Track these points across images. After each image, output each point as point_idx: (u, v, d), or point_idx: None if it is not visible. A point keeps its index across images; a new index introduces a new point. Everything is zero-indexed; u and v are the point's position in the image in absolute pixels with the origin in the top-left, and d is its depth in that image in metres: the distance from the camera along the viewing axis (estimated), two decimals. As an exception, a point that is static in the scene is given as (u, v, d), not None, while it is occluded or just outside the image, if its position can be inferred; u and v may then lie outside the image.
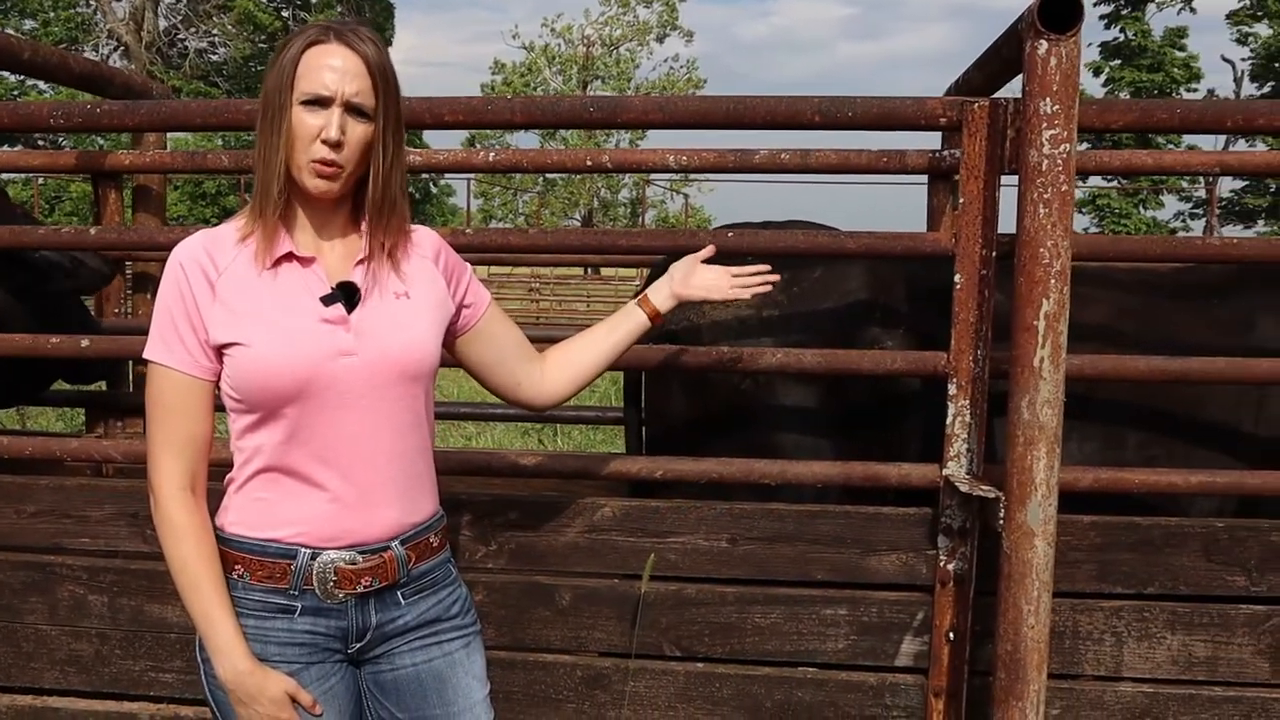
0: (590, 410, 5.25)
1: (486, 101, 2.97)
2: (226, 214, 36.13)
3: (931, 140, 5.72)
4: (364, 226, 2.06)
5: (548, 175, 39.72)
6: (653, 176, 33.68)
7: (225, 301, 1.99)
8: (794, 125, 2.90)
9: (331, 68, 1.93)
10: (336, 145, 1.93)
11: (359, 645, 2.10)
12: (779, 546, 3.03)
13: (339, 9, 43.25)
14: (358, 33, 1.97)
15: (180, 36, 41.75)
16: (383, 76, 1.96)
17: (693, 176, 36.53)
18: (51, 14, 40.48)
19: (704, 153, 3.84)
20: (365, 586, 2.05)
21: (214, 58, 42.37)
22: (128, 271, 4.70)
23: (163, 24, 41.43)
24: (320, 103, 1.93)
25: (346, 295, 2.02)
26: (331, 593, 2.05)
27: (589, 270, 29.86)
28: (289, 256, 2.01)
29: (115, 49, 39.91)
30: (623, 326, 2.44)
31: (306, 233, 2.05)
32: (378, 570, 2.06)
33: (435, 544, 2.16)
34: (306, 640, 2.07)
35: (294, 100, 1.93)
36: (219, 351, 1.99)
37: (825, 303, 3.41)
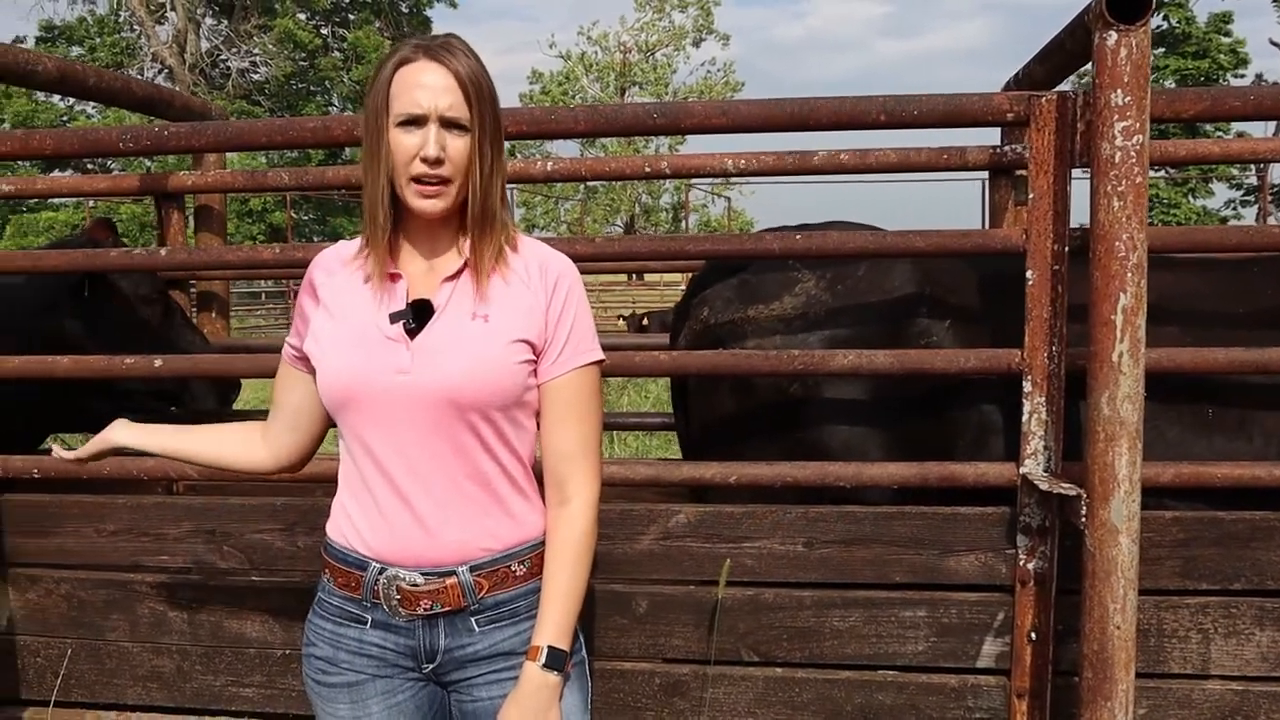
0: (653, 416, 5.24)
1: (549, 111, 2.97)
2: (275, 231, 36.52)
3: (977, 136, 5.67)
4: (465, 243, 2.04)
5: (588, 183, 39.80)
6: (694, 181, 33.66)
7: (324, 310, 2.06)
8: (860, 125, 2.88)
9: (423, 85, 1.93)
10: (437, 162, 1.93)
11: (432, 666, 2.09)
12: (856, 549, 3.01)
13: (376, 24, 43.55)
14: (447, 47, 1.96)
15: (222, 57, 42.17)
16: (475, 87, 1.95)
17: (734, 180, 36.53)
18: (98, 39, 41.04)
19: (763, 156, 3.85)
20: (426, 609, 2.04)
21: (255, 77, 42.75)
22: (192, 290, 4.75)
23: (205, 45, 41.87)
24: (415, 122, 1.93)
25: (417, 313, 2.02)
26: (396, 610, 2.05)
27: (633, 276, 29.85)
28: (382, 273, 2.03)
29: (160, 72, 40.37)
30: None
31: (409, 249, 2.06)
32: (439, 594, 2.03)
33: (520, 574, 2.07)
34: (375, 653, 2.08)
35: (390, 122, 1.94)
36: (311, 354, 2.08)
37: (870, 298, 3.39)
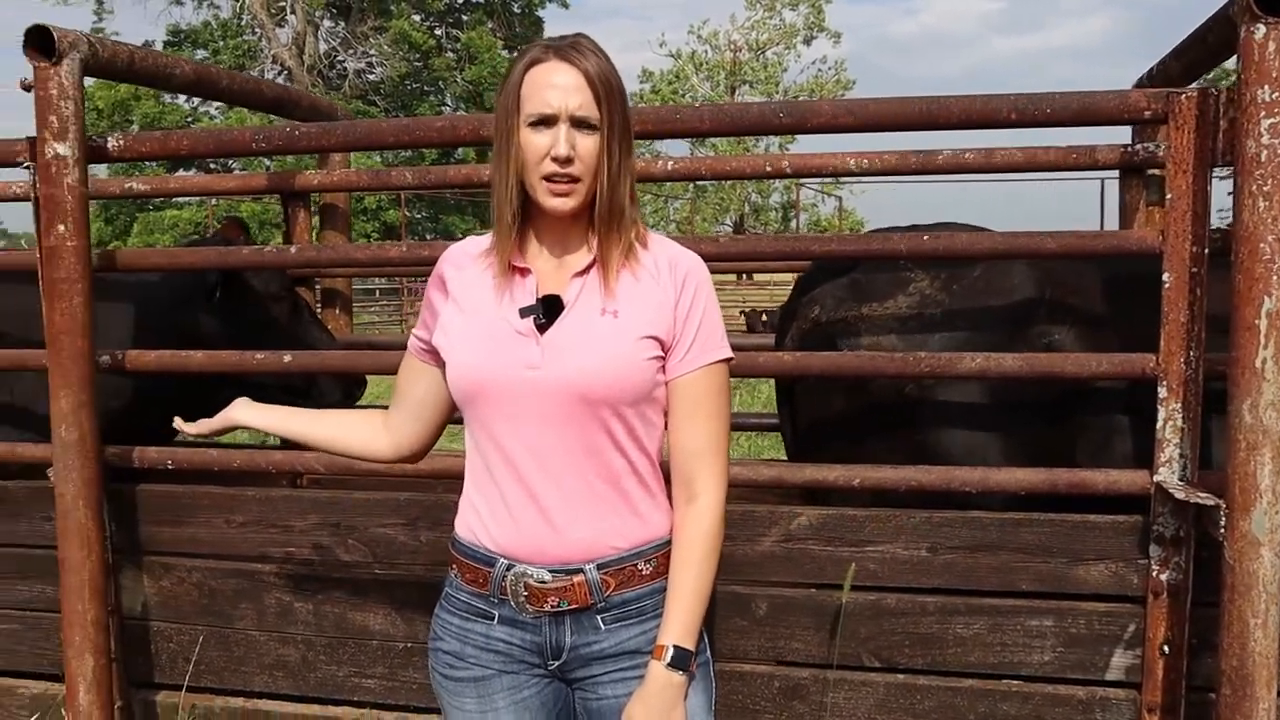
0: (769, 417, 5.20)
1: (674, 111, 2.97)
2: (389, 229, 37.08)
3: (1102, 135, 5.54)
4: (594, 239, 2.05)
5: (698, 182, 39.74)
6: (804, 180, 33.43)
7: (454, 304, 2.09)
8: (990, 124, 2.83)
9: (553, 85, 1.94)
10: (567, 161, 1.94)
11: (558, 663, 2.09)
12: (981, 556, 2.96)
13: (489, 25, 44.03)
14: (577, 46, 1.97)
15: (339, 58, 42.97)
16: (604, 86, 1.96)
17: (844, 180, 36.19)
18: (221, 43, 42.12)
19: (886, 155, 3.80)
20: (553, 606, 2.04)
21: (371, 77, 43.49)
22: (317, 287, 4.84)
23: (323, 47, 42.74)
24: (546, 121, 1.94)
25: (547, 308, 2.02)
26: (523, 606, 2.06)
27: (742, 275, 29.74)
28: (511, 267, 2.05)
29: (279, 73, 41.30)
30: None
31: (537, 246, 2.07)
32: (566, 592, 2.03)
33: (646, 572, 2.07)
34: (502, 649, 2.09)
35: (521, 123, 1.96)
36: (440, 346, 2.10)
37: (988, 299, 3.33)
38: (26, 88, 3.10)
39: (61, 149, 3.04)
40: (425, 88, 44.03)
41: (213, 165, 33.13)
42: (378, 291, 31.26)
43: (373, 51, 42.61)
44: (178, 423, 2.44)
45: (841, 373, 3.02)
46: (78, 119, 3.05)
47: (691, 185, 43.55)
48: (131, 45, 3.28)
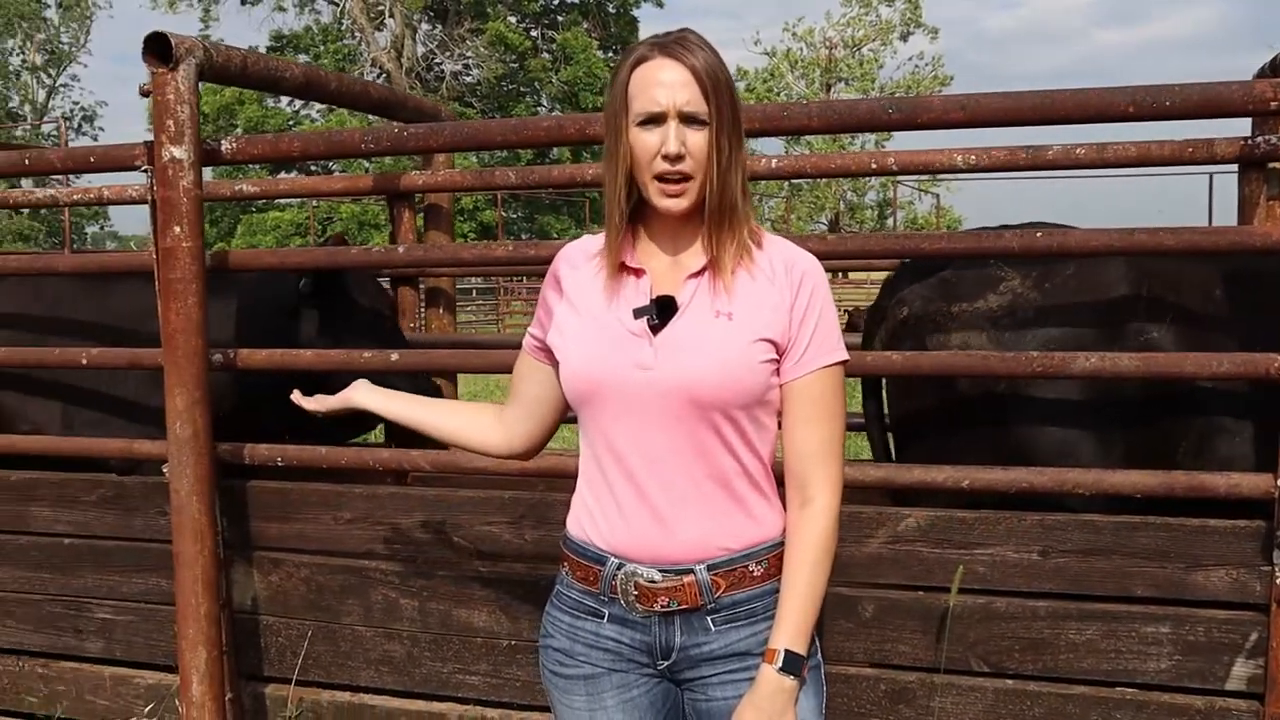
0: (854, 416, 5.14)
1: (782, 108, 2.94)
2: (484, 229, 37.42)
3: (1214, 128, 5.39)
4: (708, 238, 2.03)
5: (793, 180, 39.51)
6: (901, 177, 33.07)
7: (568, 303, 2.09)
8: (1106, 118, 2.76)
9: (660, 83, 1.93)
10: (678, 158, 1.93)
11: (667, 664, 2.08)
12: (1095, 560, 2.89)
13: (584, 25, 44.23)
14: (682, 42, 1.96)
15: (436, 61, 43.50)
16: (712, 80, 1.94)
17: (941, 176, 35.71)
18: (321, 47, 42.89)
19: (994, 151, 3.73)
20: (663, 606, 2.03)
21: (468, 79, 43.96)
22: (421, 286, 4.89)
23: (420, 50, 43.30)
24: (654, 120, 1.93)
25: (661, 309, 2.01)
26: (633, 606, 2.05)
27: (839, 274, 29.49)
28: (625, 268, 2.04)
29: (378, 76, 41.91)
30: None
31: (651, 245, 2.06)
32: (676, 592, 2.02)
33: (757, 574, 2.05)
34: (611, 647, 2.09)
35: (630, 122, 1.95)
36: (554, 346, 2.10)
37: (1082, 297, 3.26)
38: (145, 93, 3.17)
39: (178, 152, 3.11)
40: (521, 89, 44.37)
41: (313, 168, 33.79)
42: (474, 291, 31.54)
43: (469, 53, 43.07)
44: (296, 396, 2.45)
45: (952, 372, 2.97)
46: (193, 123, 3.12)
47: (787, 184, 43.31)
48: (244, 50, 3.34)
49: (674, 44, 1.96)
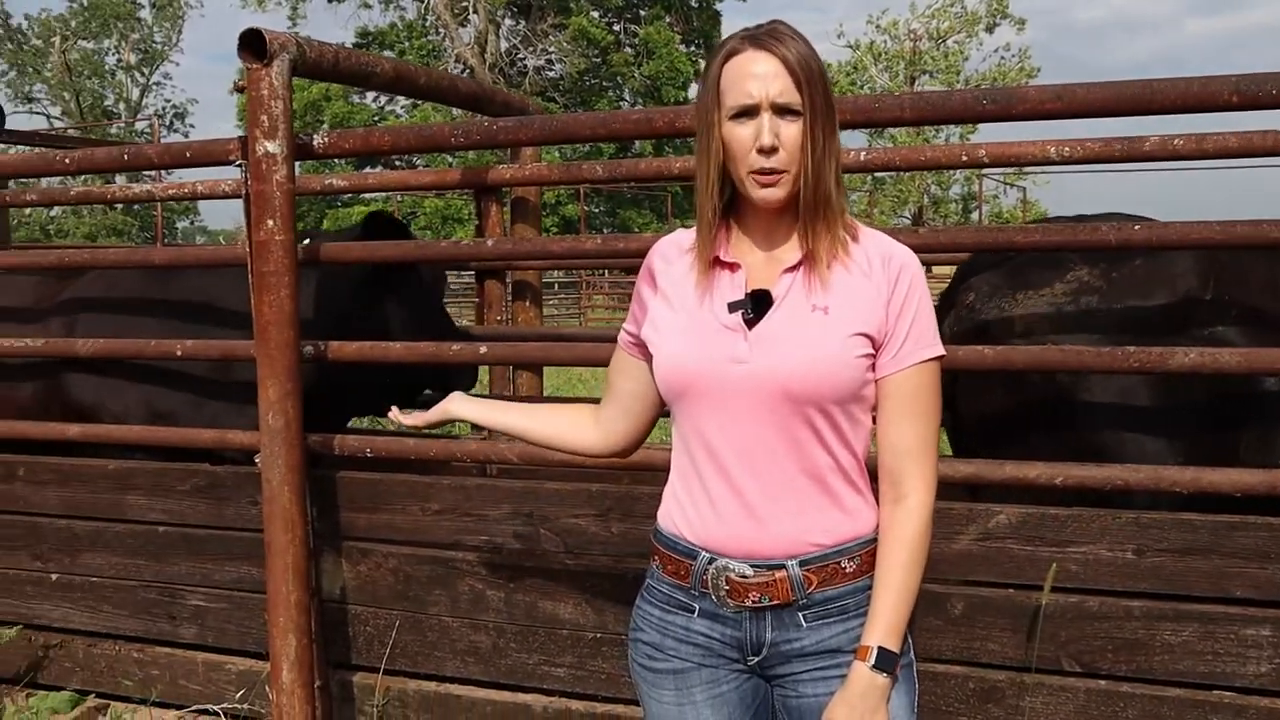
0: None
1: (874, 100, 2.91)
2: (567, 223, 37.63)
3: None
4: (803, 231, 2.02)
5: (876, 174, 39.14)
6: (986, 170, 32.64)
7: (663, 298, 2.08)
8: (1208, 108, 2.70)
9: (752, 75, 1.92)
10: (772, 150, 1.92)
11: (757, 659, 2.07)
12: (1192, 559, 2.83)
13: (667, 19, 44.20)
14: (774, 33, 1.95)
15: (520, 56, 43.77)
16: (805, 70, 1.92)
17: (1028, 169, 35.18)
18: (406, 43, 43.36)
19: (1088, 142, 3.66)
20: (755, 602, 2.02)
21: (550, 74, 44.20)
22: (508, 280, 4.92)
23: (504, 45, 43.59)
24: (748, 113, 1.92)
25: (756, 303, 2.00)
26: (724, 601, 2.04)
27: (929, 269, 29.16)
28: (718, 261, 2.03)
29: (462, 71, 42.27)
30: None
31: (745, 239, 2.05)
32: (768, 588, 2.01)
33: (849, 570, 2.03)
34: (701, 642, 2.08)
35: (723, 116, 1.94)
36: (648, 340, 2.09)
37: (1149, 290, 3.20)
38: (239, 89, 3.22)
39: (271, 146, 3.15)
40: (604, 83, 44.48)
41: (397, 162, 34.18)
42: (557, 285, 31.68)
43: (552, 48, 43.27)
44: (394, 414, 2.47)
45: (1045, 367, 2.93)
46: (286, 118, 3.16)
47: (870, 177, 42.92)
48: (336, 45, 3.38)
49: (765, 35, 1.95)
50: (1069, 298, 3.28)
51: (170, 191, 4.62)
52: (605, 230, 41.41)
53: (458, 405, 2.42)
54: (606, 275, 32.08)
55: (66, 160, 3.98)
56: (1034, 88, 2.85)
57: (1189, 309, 3.18)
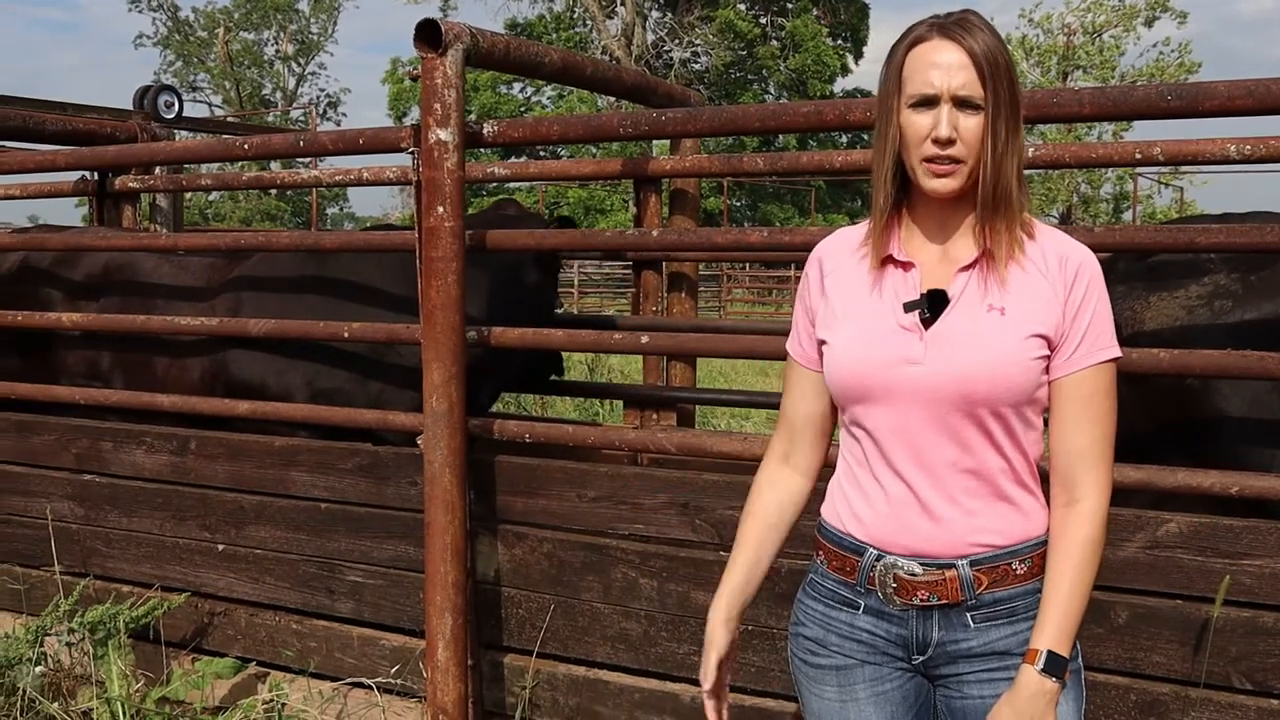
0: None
1: (1052, 94, 2.86)
2: (708, 216, 37.65)
3: None
4: (980, 230, 1.99)
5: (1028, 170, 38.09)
6: (1140, 169, 31.58)
7: (830, 299, 2.07)
8: None
9: (935, 65, 1.89)
10: (948, 142, 1.89)
11: (922, 659, 2.05)
12: (1376, 578, 2.71)
13: (814, 12, 43.87)
14: (963, 23, 1.92)
15: (666, 48, 43.91)
16: (990, 63, 1.89)
17: (1184, 169, 33.97)
18: (554, 35, 43.86)
19: (1272, 140, 3.52)
20: (923, 600, 2.00)
21: (696, 66, 44.24)
22: (663, 271, 4.95)
23: (650, 38, 43.79)
24: (928, 102, 1.90)
25: (932, 303, 1.98)
26: (891, 598, 2.03)
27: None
28: (891, 259, 2.02)
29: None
30: None
31: (917, 235, 2.03)
32: (937, 587, 1.99)
33: (1020, 572, 2.00)
34: (865, 639, 2.07)
35: (903, 104, 1.93)
36: (820, 345, 2.08)
37: None
38: (413, 78, 3.30)
39: (444, 134, 3.22)
40: (749, 76, 44.41)
41: (542, 152, 34.57)
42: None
43: (698, 41, 43.31)
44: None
45: (1224, 374, 2.84)
46: (459, 106, 3.23)
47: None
48: (507, 35, 3.44)
49: (953, 25, 1.92)
50: (1201, 300, 3.22)
51: (337, 178, 4.75)
52: (746, 223, 41.33)
53: (723, 637, 2.26)
54: (746, 269, 31.98)
55: (245, 146, 4.12)
56: (1223, 82, 2.75)
57: None
